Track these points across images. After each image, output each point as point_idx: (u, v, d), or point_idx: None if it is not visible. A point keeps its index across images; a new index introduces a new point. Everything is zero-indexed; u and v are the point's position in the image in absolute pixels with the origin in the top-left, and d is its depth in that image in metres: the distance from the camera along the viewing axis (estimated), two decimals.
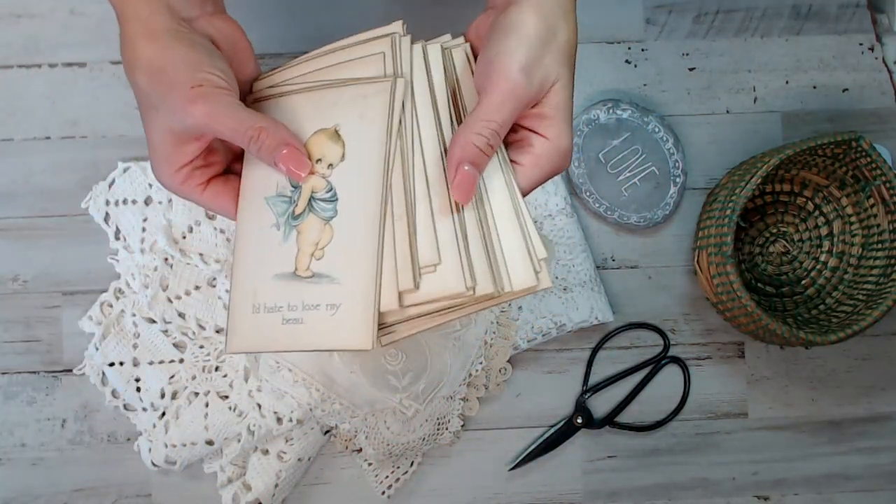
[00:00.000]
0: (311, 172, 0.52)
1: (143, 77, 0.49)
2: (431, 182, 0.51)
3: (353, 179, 0.51)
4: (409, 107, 0.52)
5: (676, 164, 0.76)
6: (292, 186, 0.53)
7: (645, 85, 0.79)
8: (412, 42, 0.55)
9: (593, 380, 0.77)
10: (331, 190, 0.52)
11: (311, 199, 0.52)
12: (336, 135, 0.52)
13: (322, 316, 0.50)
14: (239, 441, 0.72)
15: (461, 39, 0.55)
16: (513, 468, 0.76)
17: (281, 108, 0.54)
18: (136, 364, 0.74)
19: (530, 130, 0.51)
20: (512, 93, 0.48)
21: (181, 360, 0.73)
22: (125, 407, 0.74)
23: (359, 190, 0.51)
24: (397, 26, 0.54)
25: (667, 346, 0.77)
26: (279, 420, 0.71)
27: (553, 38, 0.50)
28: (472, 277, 0.49)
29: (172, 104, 0.49)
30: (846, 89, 0.80)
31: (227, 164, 0.55)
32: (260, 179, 0.54)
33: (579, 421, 0.76)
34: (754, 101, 0.79)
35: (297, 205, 0.52)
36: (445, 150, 0.51)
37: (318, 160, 0.52)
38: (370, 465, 0.75)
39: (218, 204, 0.54)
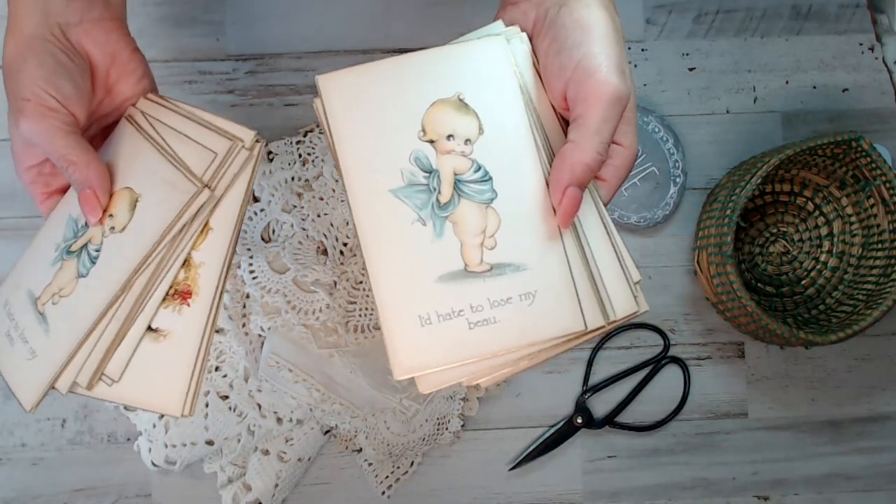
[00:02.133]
0: (101, 222, 0.51)
1: (3, 73, 0.51)
2: (524, 206, 0.47)
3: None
4: (199, 219, 0.50)
5: (676, 164, 0.76)
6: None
7: (645, 85, 0.79)
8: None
9: (593, 380, 0.77)
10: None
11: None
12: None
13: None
14: (239, 441, 0.72)
15: (516, 29, 0.50)
16: (513, 468, 0.76)
17: (131, 142, 0.53)
18: None
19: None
20: (616, 99, 0.45)
21: None
22: (125, 407, 0.74)
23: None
24: (249, 135, 0.52)
25: (667, 346, 0.77)
26: (279, 420, 0.71)
27: (621, 32, 0.47)
28: (585, 316, 0.46)
29: (9, 111, 0.51)
30: (846, 89, 0.80)
31: None
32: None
33: (579, 421, 0.76)
34: (754, 101, 0.79)
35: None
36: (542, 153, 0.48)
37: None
38: (370, 465, 0.75)
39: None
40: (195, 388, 0.52)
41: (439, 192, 0.47)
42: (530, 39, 0.50)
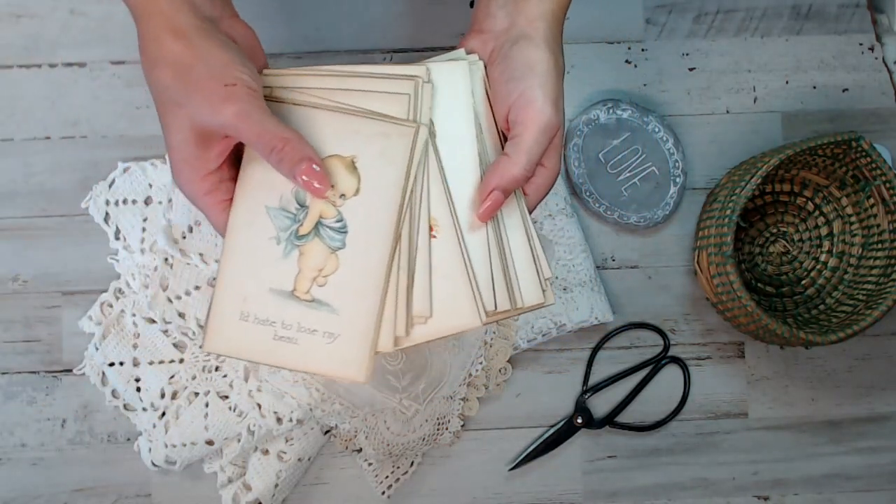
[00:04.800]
0: (324, 196, 0.53)
1: (168, 72, 0.48)
2: (461, 202, 0.54)
3: (365, 217, 0.53)
4: (424, 155, 0.54)
5: (676, 164, 0.76)
6: (298, 204, 0.53)
7: (645, 85, 0.79)
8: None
9: (593, 380, 0.77)
10: (341, 220, 0.53)
11: (319, 224, 0.53)
12: (353, 166, 0.53)
13: (318, 342, 0.52)
14: (239, 441, 0.72)
15: (475, 56, 0.57)
16: (513, 468, 0.76)
17: (296, 118, 0.54)
18: (136, 364, 0.74)
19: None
20: (547, 126, 0.52)
21: (181, 360, 0.73)
22: (125, 407, 0.74)
23: (370, 230, 0.52)
24: (422, 70, 0.55)
25: (667, 346, 0.77)
26: (279, 420, 0.71)
27: (561, 70, 0.55)
28: (485, 312, 0.53)
29: (201, 102, 0.48)
30: (846, 89, 0.80)
31: None
32: (261, 186, 0.53)
33: (579, 421, 0.76)
34: (754, 101, 0.79)
35: (302, 224, 0.53)
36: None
37: (331, 186, 0.52)
38: (370, 465, 0.75)
39: None
40: (481, 300, 0.54)
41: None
42: (486, 66, 0.57)
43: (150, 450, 0.73)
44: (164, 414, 0.73)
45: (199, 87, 0.48)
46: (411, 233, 0.53)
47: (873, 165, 0.71)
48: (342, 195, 0.53)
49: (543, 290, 0.55)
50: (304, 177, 0.49)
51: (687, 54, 0.79)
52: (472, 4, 0.77)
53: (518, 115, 0.53)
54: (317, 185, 0.50)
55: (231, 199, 0.53)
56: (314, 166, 0.49)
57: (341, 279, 0.52)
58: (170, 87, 0.48)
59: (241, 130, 0.48)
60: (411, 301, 0.53)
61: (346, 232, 0.53)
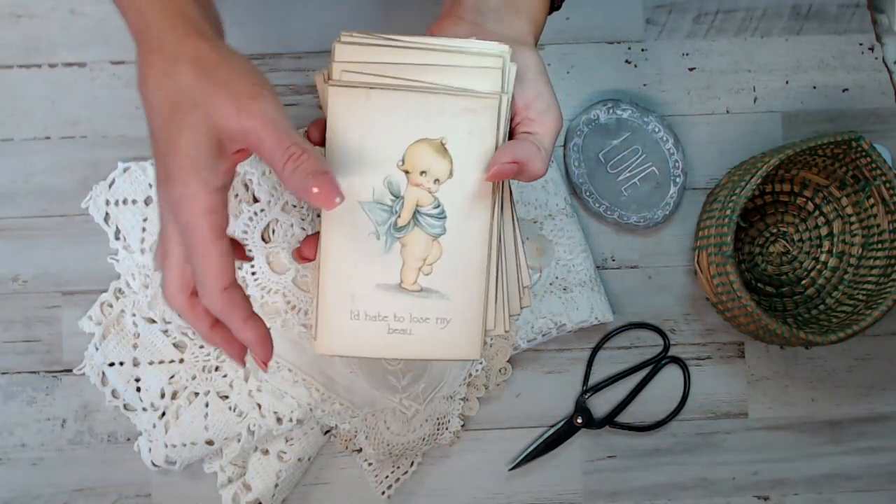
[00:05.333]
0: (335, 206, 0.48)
1: (190, 70, 0.46)
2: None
3: (462, 199, 0.53)
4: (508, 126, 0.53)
5: (676, 164, 0.76)
6: (392, 196, 0.52)
7: (645, 85, 0.79)
8: None
9: (593, 380, 0.77)
10: (438, 206, 0.53)
11: (417, 212, 0.53)
12: (443, 148, 0.52)
13: (432, 329, 0.53)
14: (239, 441, 0.72)
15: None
16: (513, 468, 0.76)
17: (374, 103, 0.52)
18: (136, 364, 0.74)
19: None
20: (560, 130, 0.54)
21: (181, 360, 0.73)
22: (125, 407, 0.74)
23: (469, 212, 0.53)
24: (504, 48, 0.52)
25: (667, 346, 0.77)
26: (279, 420, 0.71)
27: None
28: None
29: (225, 100, 0.45)
30: (846, 89, 0.80)
31: None
32: (353, 183, 0.52)
33: (579, 421, 0.76)
34: (754, 101, 0.79)
35: (400, 216, 0.53)
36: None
37: (423, 172, 0.52)
38: (370, 465, 0.75)
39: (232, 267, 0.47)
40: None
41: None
42: None
43: (150, 450, 0.73)
44: (164, 414, 0.73)
45: (224, 85, 0.46)
46: (508, 207, 0.54)
47: (873, 165, 0.71)
48: (436, 180, 0.52)
49: (521, 297, 0.55)
50: (315, 189, 0.45)
51: (687, 54, 0.79)
52: None
53: (538, 116, 0.53)
54: (335, 193, 0.45)
55: (224, 229, 0.47)
56: (329, 176, 0.46)
57: (447, 265, 0.53)
58: (189, 87, 0.46)
59: (260, 135, 0.45)
60: (522, 275, 0.55)
61: (445, 217, 0.53)
